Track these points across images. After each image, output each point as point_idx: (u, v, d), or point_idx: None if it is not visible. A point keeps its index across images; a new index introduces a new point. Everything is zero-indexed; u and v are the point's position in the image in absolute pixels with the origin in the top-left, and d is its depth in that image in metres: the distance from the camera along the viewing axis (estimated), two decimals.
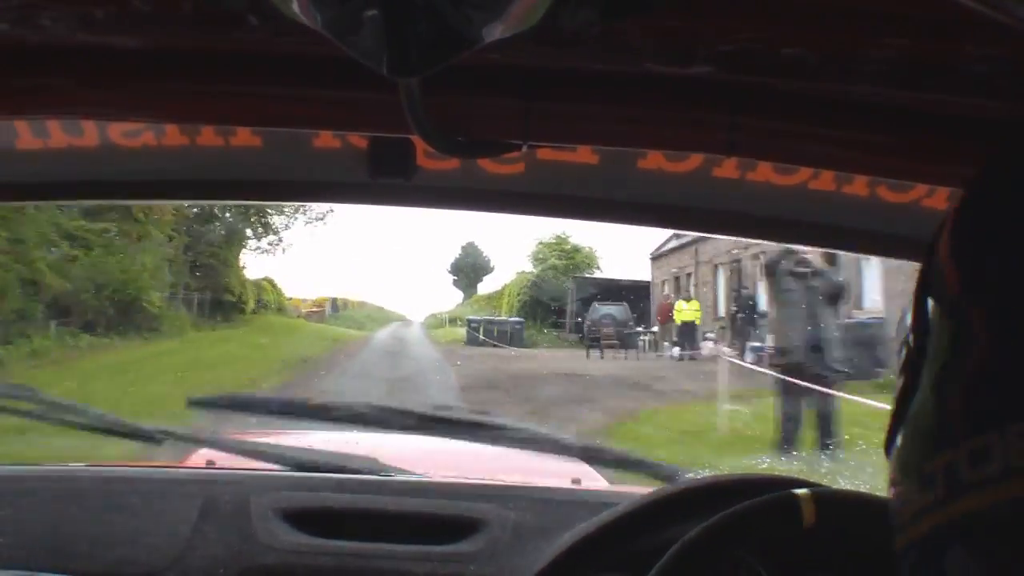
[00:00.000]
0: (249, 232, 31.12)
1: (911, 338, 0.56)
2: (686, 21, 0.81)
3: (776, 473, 1.53)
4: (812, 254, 7.70)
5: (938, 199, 1.19)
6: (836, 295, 8.31)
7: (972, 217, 0.55)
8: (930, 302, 0.55)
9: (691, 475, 1.80)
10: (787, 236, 1.45)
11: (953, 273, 0.53)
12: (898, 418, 0.56)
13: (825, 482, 1.37)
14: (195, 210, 25.27)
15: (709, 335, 20.91)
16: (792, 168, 1.19)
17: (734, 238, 1.55)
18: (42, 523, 1.52)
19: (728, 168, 1.22)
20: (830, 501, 1.23)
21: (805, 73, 0.88)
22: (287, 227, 32.44)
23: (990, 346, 0.49)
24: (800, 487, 1.28)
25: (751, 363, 13.19)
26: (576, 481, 2.21)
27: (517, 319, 33.29)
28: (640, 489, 1.69)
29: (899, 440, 0.56)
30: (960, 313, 0.51)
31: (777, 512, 1.22)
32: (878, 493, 1.29)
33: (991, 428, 0.47)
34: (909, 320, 0.57)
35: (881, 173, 1.08)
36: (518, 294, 39.94)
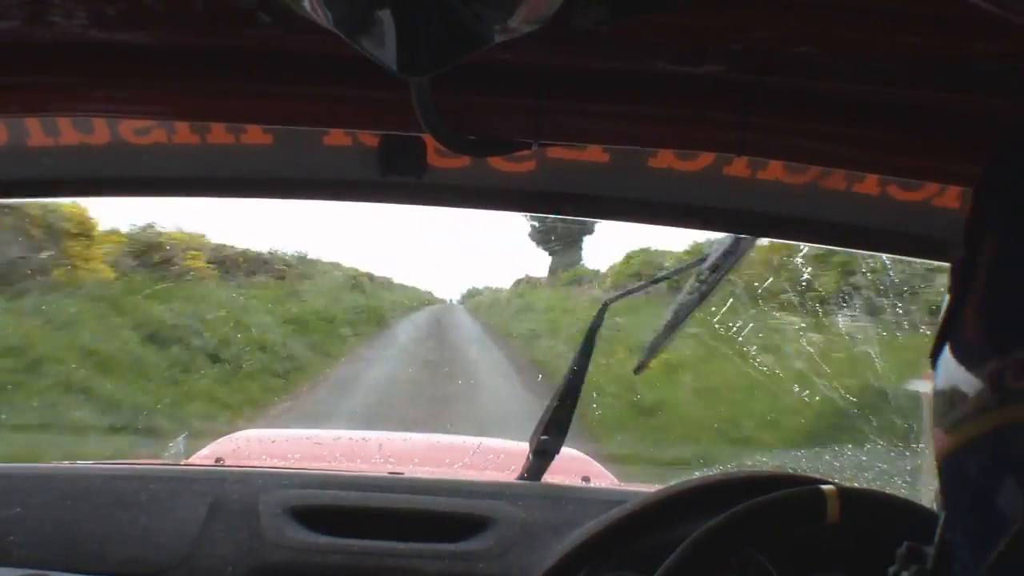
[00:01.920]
0: None
1: (963, 251, 0.57)
2: (697, 20, 0.80)
3: (784, 471, 1.53)
4: None
5: (948, 197, 1.18)
6: None
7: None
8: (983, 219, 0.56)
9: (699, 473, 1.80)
10: (798, 234, 1.44)
11: (1005, 199, 0.55)
12: (947, 326, 0.57)
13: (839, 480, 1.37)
14: None
15: None
16: (803, 167, 1.19)
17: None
18: (52, 521, 1.53)
19: (739, 167, 1.21)
20: (856, 498, 1.23)
21: (816, 72, 0.87)
22: None
23: None
24: (807, 484, 1.28)
25: None
26: (586, 479, 2.22)
27: None
28: (648, 487, 1.69)
29: (946, 350, 0.57)
30: (1009, 231, 0.53)
31: (803, 506, 1.22)
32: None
33: None
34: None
35: (892, 171, 1.08)
36: None
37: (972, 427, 0.52)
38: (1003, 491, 0.51)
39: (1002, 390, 0.50)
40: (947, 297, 0.58)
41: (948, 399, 0.56)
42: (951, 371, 0.56)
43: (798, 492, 1.24)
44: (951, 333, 0.57)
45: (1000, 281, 0.53)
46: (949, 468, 0.56)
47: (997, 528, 0.50)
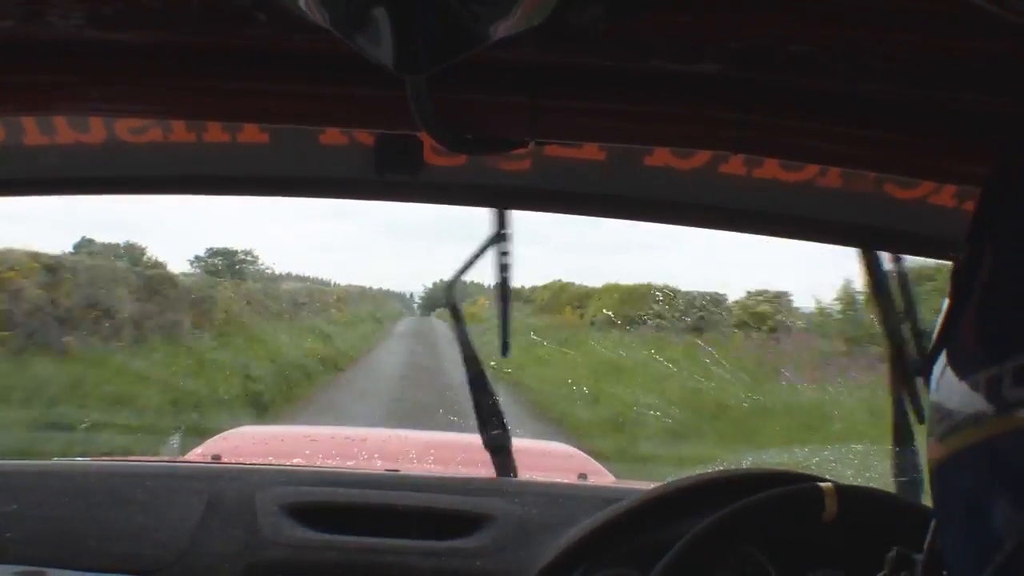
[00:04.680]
0: None
1: (963, 256, 0.57)
2: (694, 18, 0.80)
3: (780, 469, 1.53)
4: None
5: (945, 195, 1.18)
6: None
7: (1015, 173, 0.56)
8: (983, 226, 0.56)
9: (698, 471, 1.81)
10: (794, 232, 1.45)
11: (1006, 213, 0.54)
12: (944, 331, 0.57)
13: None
14: None
15: None
16: (799, 165, 1.19)
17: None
18: (49, 518, 1.53)
19: (735, 164, 1.21)
20: (853, 496, 1.24)
21: (813, 70, 0.88)
22: None
23: None
24: (803, 482, 1.29)
25: None
26: (582, 476, 2.22)
27: None
28: (645, 484, 1.70)
29: (942, 357, 0.56)
30: (1008, 240, 0.53)
31: (801, 503, 1.23)
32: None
33: None
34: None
35: (888, 169, 1.08)
36: None
37: (966, 436, 0.52)
38: (996, 503, 0.50)
39: (998, 399, 0.50)
40: (945, 303, 0.58)
41: (942, 408, 0.55)
42: (947, 379, 0.56)
43: (796, 489, 1.24)
44: (948, 340, 0.56)
45: (1002, 288, 0.52)
46: (941, 477, 0.56)
47: (990, 541, 0.50)
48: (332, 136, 1.21)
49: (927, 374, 0.59)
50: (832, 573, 1.29)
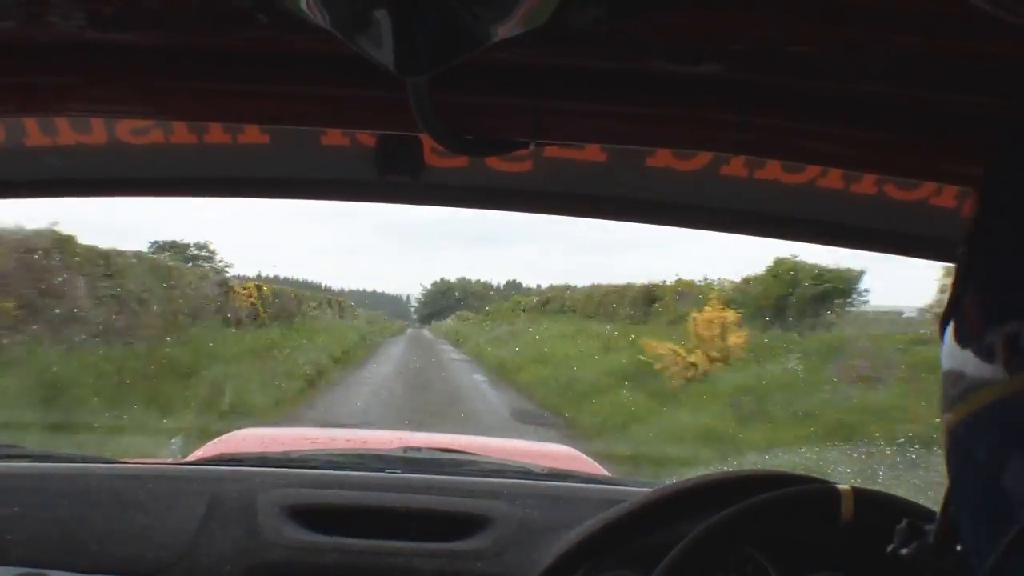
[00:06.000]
0: None
1: (977, 210, 0.57)
2: (695, 20, 0.80)
3: (781, 470, 1.53)
4: None
5: (946, 197, 1.18)
6: None
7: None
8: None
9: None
10: (795, 234, 1.44)
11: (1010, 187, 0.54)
12: (959, 288, 0.57)
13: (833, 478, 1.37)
14: None
15: None
16: (800, 166, 1.19)
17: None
18: (51, 520, 1.53)
19: (736, 166, 1.21)
20: (871, 501, 1.23)
21: (814, 72, 0.88)
22: None
23: None
24: (803, 483, 1.28)
25: None
26: (583, 478, 2.22)
27: None
28: (647, 486, 1.70)
29: (953, 320, 0.56)
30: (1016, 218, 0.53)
31: (817, 504, 1.22)
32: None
33: None
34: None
35: (889, 171, 1.08)
36: None
37: (981, 396, 0.52)
38: (1011, 466, 0.50)
39: (1012, 359, 0.50)
40: (951, 281, 0.58)
41: (954, 376, 0.55)
42: (956, 348, 0.56)
43: (809, 489, 1.23)
44: (954, 313, 0.57)
45: (1007, 257, 0.52)
46: (954, 444, 0.56)
47: (1007, 507, 0.49)
48: (333, 137, 1.21)
49: (941, 331, 0.59)
50: (833, 575, 1.28)
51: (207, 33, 0.88)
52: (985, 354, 0.51)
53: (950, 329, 0.57)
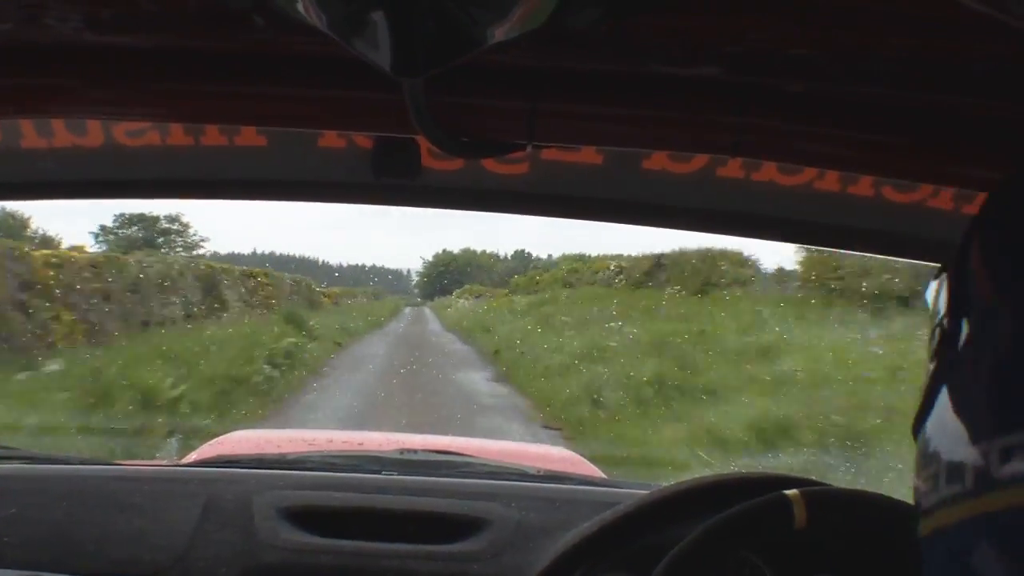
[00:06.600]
0: None
1: (945, 323, 0.55)
2: (692, 21, 0.80)
3: (777, 471, 1.53)
4: None
5: (943, 199, 1.18)
6: None
7: (1001, 223, 0.54)
8: (964, 294, 0.54)
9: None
10: (792, 236, 1.45)
11: (984, 279, 0.52)
12: (928, 402, 0.56)
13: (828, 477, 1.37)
14: None
15: None
16: (797, 168, 1.19)
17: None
18: (46, 522, 1.53)
19: (733, 168, 1.21)
20: (820, 501, 1.22)
21: (811, 74, 0.88)
22: None
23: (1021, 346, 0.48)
24: (799, 485, 1.28)
25: None
26: (580, 480, 2.22)
27: None
28: (643, 488, 1.70)
29: (928, 426, 0.55)
30: (993, 313, 0.51)
31: (769, 514, 1.21)
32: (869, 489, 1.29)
33: (1022, 428, 0.47)
34: (941, 302, 0.57)
35: (886, 173, 1.08)
36: None
37: (953, 511, 0.50)
38: None
39: (983, 477, 0.48)
40: (930, 368, 0.56)
41: (929, 477, 0.54)
42: (932, 448, 0.54)
43: (759, 502, 1.22)
44: (931, 409, 0.55)
45: (988, 359, 0.50)
46: (928, 551, 0.55)
47: None
48: (330, 139, 1.21)
49: (915, 436, 0.57)
50: None
51: (204, 35, 0.88)
52: (971, 462, 0.50)
53: (928, 422, 0.55)
